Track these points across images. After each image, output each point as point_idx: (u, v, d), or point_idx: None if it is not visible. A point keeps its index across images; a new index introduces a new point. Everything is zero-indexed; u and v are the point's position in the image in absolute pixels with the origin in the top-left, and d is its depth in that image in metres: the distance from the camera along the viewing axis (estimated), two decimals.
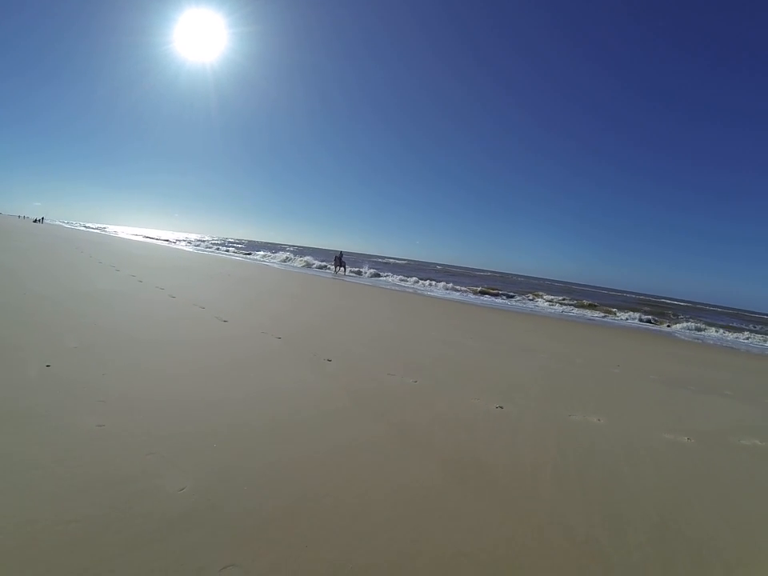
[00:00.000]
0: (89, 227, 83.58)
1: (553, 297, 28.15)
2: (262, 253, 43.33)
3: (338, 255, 29.31)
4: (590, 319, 19.89)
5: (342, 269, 28.84)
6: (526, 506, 2.58)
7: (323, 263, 32.81)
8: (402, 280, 28.92)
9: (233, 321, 6.72)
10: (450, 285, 27.30)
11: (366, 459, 2.87)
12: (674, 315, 27.06)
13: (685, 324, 21.51)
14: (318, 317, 8.61)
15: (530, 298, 26.26)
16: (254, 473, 2.53)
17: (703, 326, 20.80)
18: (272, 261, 35.14)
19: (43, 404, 2.99)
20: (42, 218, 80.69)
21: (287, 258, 35.60)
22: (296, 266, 31.82)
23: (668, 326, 20.56)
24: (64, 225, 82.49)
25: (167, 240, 56.07)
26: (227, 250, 46.72)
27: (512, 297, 25.56)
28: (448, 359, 6.16)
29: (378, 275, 30.60)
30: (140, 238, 50.47)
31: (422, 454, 3.06)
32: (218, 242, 73.70)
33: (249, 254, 43.08)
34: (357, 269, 31.58)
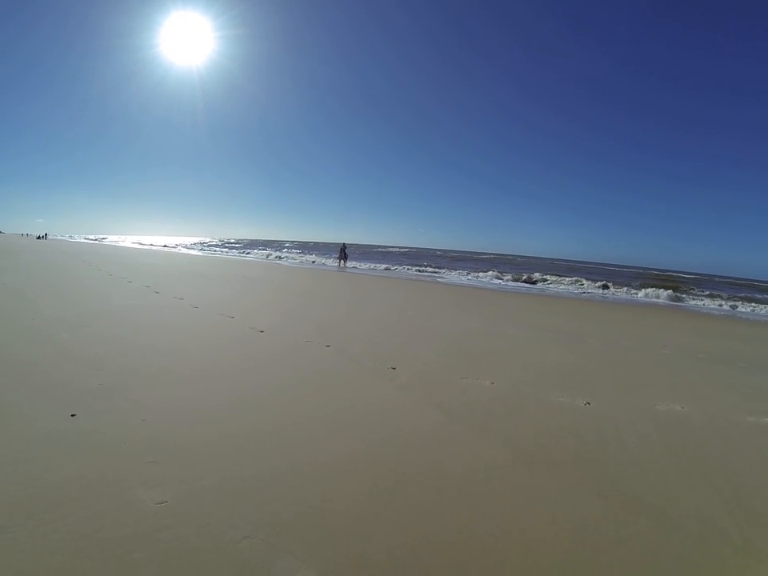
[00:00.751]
0: (90, 239, 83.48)
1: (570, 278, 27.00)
2: (267, 251, 42.95)
3: (341, 247, 29.06)
4: (617, 298, 19.24)
5: (344, 261, 28.55)
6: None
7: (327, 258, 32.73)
8: (434, 271, 27.39)
9: (270, 330, 5.97)
10: (490, 273, 25.38)
11: (491, 489, 2.32)
12: (690, 289, 25.75)
13: (711, 299, 20.33)
14: (357, 318, 7.87)
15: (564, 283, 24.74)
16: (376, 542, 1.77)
17: (737, 302, 19.61)
18: (288, 260, 34.47)
19: (73, 478, 2.21)
20: (46, 234, 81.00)
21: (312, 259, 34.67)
22: (304, 262, 31.27)
23: (701, 302, 19.49)
24: (67, 239, 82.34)
25: (173, 246, 55.82)
26: (229, 251, 46.19)
27: (546, 282, 24.26)
28: (505, 352, 5.63)
29: (388, 268, 29.80)
30: (145, 246, 49.82)
31: (551, 474, 2.53)
32: (222, 243, 74.17)
33: (248, 252, 42.65)
34: (373, 263, 30.87)
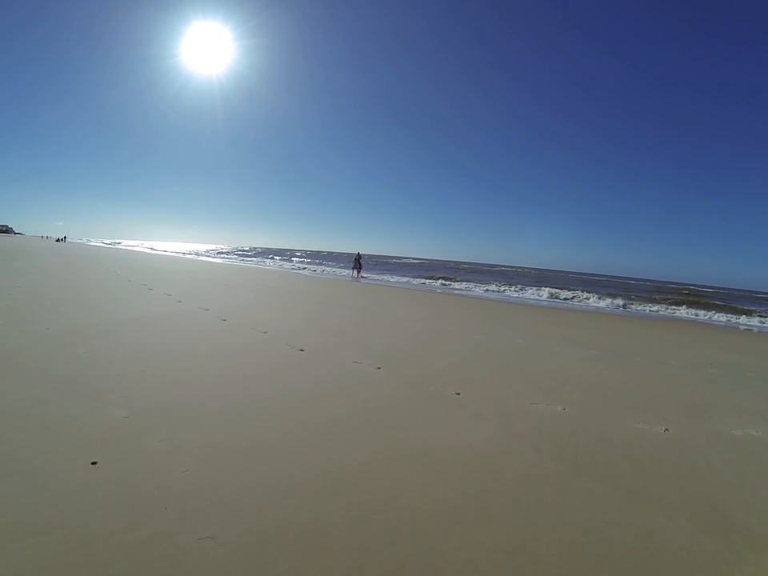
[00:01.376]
0: (106, 243, 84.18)
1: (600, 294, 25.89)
2: (280, 260, 42.90)
3: (356, 257, 28.07)
4: (647, 313, 18.47)
5: (357, 271, 27.60)
6: None
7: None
8: (476, 285, 25.75)
9: (311, 350, 5.34)
10: (546, 290, 23.10)
11: (613, 540, 2.02)
12: (715, 303, 24.49)
13: (738, 315, 19.16)
14: (397, 334, 7.18)
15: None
16: None
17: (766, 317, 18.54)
18: (306, 270, 34.04)
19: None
20: (65, 237, 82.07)
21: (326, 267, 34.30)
22: (321, 272, 30.72)
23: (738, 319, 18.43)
24: (85, 242, 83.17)
25: (190, 253, 55.88)
26: (245, 259, 45.95)
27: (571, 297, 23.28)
28: (559, 372, 5.21)
29: (410, 280, 29.02)
30: (160, 252, 49.78)
31: (667, 514, 2.29)
32: (237, 251, 74.53)
33: (263, 261, 42.52)
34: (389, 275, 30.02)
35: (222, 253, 63.37)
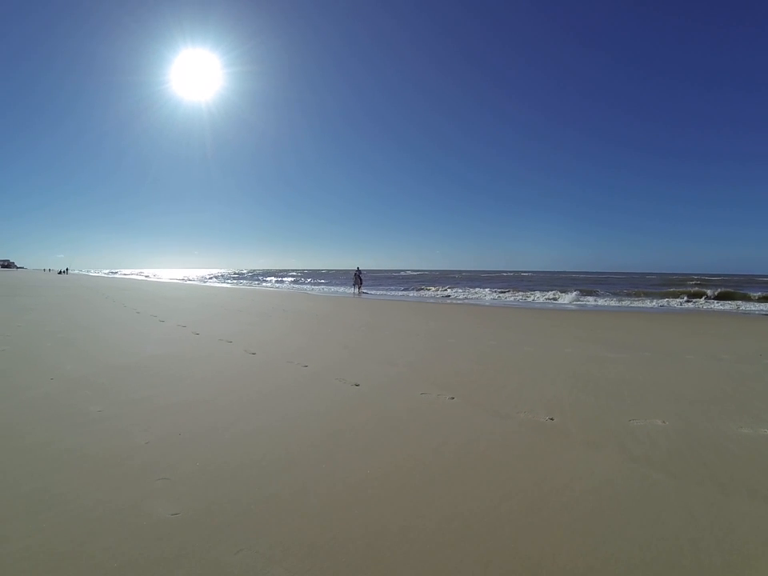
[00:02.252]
0: (108, 273, 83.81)
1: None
2: (280, 279, 42.87)
3: (356, 273, 27.14)
4: (674, 307, 17.99)
5: (358, 287, 26.75)
6: None
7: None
8: (491, 293, 24.91)
9: (365, 383, 4.54)
10: (573, 293, 22.00)
11: None
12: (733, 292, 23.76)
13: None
14: (447, 354, 6.27)
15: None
16: None
17: None
18: (309, 289, 33.42)
19: None
20: (67, 269, 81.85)
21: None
22: (325, 290, 29.93)
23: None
24: (87, 273, 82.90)
25: (194, 278, 55.55)
26: (249, 282, 45.55)
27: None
28: (629, 381, 4.84)
29: (422, 289, 28.05)
30: (164, 280, 49.15)
31: None
32: (238, 273, 74.96)
33: (265, 282, 42.11)
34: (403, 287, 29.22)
35: (222, 276, 63.47)
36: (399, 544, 1.87)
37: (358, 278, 26.82)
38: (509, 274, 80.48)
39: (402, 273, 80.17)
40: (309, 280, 47.05)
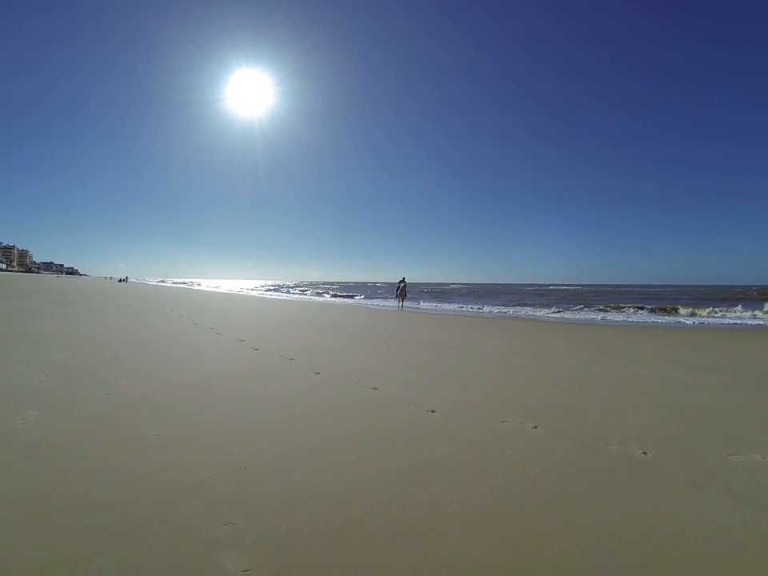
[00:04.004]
0: (165, 282, 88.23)
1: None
2: (329, 292, 43.77)
3: (401, 285, 25.38)
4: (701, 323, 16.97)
5: (402, 300, 25.44)
6: None
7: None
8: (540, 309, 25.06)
9: (441, 409, 4.17)
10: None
11: None
12: None
13: None
14: (528, 378, 5.76)
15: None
16: None
17: None
18: (366, 303, 33.63)
19: None
20: (126, 278, 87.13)
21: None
22: (380, 305, 29.72)
23: None
24: (146, 282, 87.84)
25: (243, 288, 57.52)
26: (301, 294, 46.54)
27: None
28: (714, 407, 4.65)
29: (481, 308, 27.29)
30: (217, 289, 51.00)
31: None
32: (290, 285, 77.33)
33: (322, 295, 42.64)
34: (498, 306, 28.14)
35: (272, 288, 65.79)
36: None
37: (403, 290, 25.35)
38: (531, 287, 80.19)
39: (447, 286, 79.95)
40: (360, 294, 47.55)
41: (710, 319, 17.89)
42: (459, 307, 27.50)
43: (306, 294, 44.56)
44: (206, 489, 2.50)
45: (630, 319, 18.88)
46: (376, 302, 33.84)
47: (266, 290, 54.60)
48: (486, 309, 25.89)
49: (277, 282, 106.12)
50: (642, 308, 24.98)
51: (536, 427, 3.81)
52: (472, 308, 26.72)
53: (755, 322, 16.94)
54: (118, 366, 5.54)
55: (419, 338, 10.26)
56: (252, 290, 57.59)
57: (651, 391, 5.25)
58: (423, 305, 28.73)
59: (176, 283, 78.36)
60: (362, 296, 42.68)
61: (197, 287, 57.55)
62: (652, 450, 3.35)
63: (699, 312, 21.07)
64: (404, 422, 3.87)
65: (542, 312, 23.47)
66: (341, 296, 41.09)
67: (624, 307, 25.11)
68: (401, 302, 25.44)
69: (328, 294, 45.86)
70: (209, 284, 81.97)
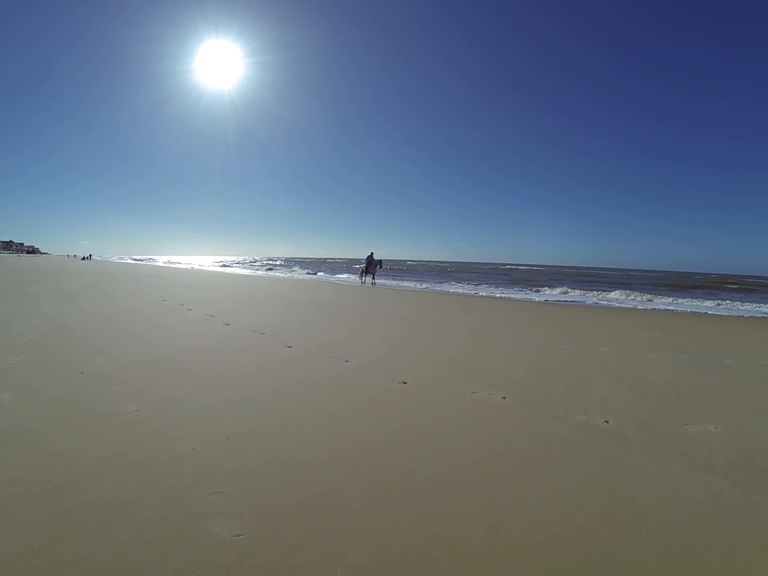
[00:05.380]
0: (132, 259, 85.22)
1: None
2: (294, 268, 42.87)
3: (368, 260, 23.18)
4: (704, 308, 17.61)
5: (370, 276, 23.45)
6: None
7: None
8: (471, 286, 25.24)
9: (412, 380, 4.24)
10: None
11: None
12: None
13: None
14: (493, 352, 6.06)
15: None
16: None
17: None
18: (330, 278, 33.27)
19: None
20: (90, 255, 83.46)
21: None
22: (345, 280, 29.45)
23: None
24: (110, 259, 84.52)
25: (214, 264, 56.22)
26: (268, 270, 45.76)
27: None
28: (669, 382, 4.87)
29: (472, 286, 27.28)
30: (185, 266, 49.63)
31: None
32: (255, 261, 75.94)
33: (288, 270, 41.98)
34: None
35: (241, 263, 64.43)
36: (485, 559, 1.78)
37: (374, 266, 23.22)
38: (510, 267, 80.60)
39: (410, 262, 79.79)
40: (323, 267, 46.94)
41: (671, 306, 18.12)
42: (424, 285, 26.96)
43: (272, 271, 43.61)
44: (192, 460, 2.50)
45: (594, 301, 18.92)
46: (342, 276, 33.52)
47: (237, 266, 53.33)
48: (453, 286, 25.68)
49: (244, 258, 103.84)
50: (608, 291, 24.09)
51: (505, 398, 3.93)
52: (439, 285, 26.12)
53: (716, 309, 17.46)
54: (90, 345, 5.38)
55: (387, 313, 10.35)
56: (221, 265, 56.23)
57: (614, 367, 5.45)
58: (389, 281, 28.04)
59: (137, 260, 75.37)
60: (327, 273, 41.91)
61: (163, 264, 55.69)
62: (613, 419, 3.53)
63: (660, 299, 20.91)
64: (377, 392, 3.94)
65: (506, 291, 23.11)
66: (311, 273, 40.38)
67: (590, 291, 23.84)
68: (371, 278, 23.58)
69: (296, 270, 45.10)
70: (184, 260, 79.46)
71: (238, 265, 60.57)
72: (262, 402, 3.53)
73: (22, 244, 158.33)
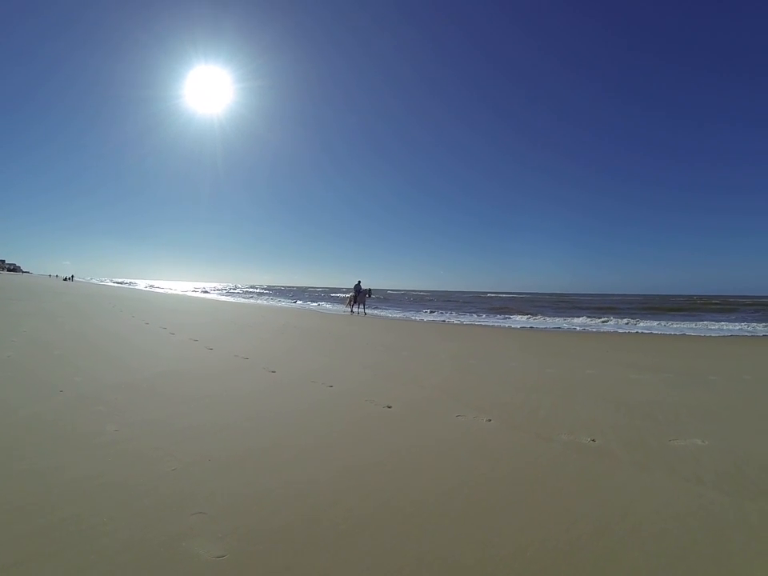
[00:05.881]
0: (110, 281, 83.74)
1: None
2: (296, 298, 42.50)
3: (356, 288, 22.22)
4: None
5: (360, 305, 22.41)
6: None
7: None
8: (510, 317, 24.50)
9: (396, 405, 4.21)
10: None
11: None
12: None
13: None
14: (477, 376, 5.87)
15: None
16: None
17: None
18: (318, 306, 33.07)
19: None
20: (72, 276, 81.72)
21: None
22: (332, 309, 29.19)
23: None
24: (92, 281, 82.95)
25: (198, 290, 55.67)
26: (255, 298, 45.46)
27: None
28: (647, 400, 4.90)
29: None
30: (168, 291, 49.01)
31: None
32: (237, 288, 75.30)
33: (266, 298, 41.58)
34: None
35: (223, 291, 64.00)
36: None
37: (363, 294, 22.25)
38: (492, 294, 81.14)
39: (396, 291, 79.74)
40: (306, 296, 46.72)
41: (655, 329, 18.05)
42: (406, 313, 26.44)
43: (269, 299, 43.09)
44: (172, 481, 2.42)
45: (580, 326, 18.90)
46: (323, 305, 33.32)
47: (220, 293, 52.80)
48: (437, 315, 24.98)
49: (227, 285, 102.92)
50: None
51: (490, 420, 3.89)
52: (421, 314, 25.10)
53: (699, 330, 17.50)
54: (71, 364, 5.23)
55: (370, 341, 10.30)
56: (202, 291, 55.63)
57: (599, 388, 5.46)
58: (370, 311, 27.47)
59: (119, 283, 74.08)
60: (308, 301, 41.52)
61: (144, 288, 54.86)
62: (600, 438, 3.50)
63: (644, 322, 20.82)
64: (361, 416, 3.89)
65: (491, 318, 22.65)
66: (292, 302, 40.03)
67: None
68: (362, 308, 22.54)
69: (278, 298, 44.76)
70: (166, 285, 78.43)
71: (217, 291, 59.93)
72: (246, 426, 3.45)
73: (3, 261, 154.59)
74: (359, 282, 22.49)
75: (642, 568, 1.82)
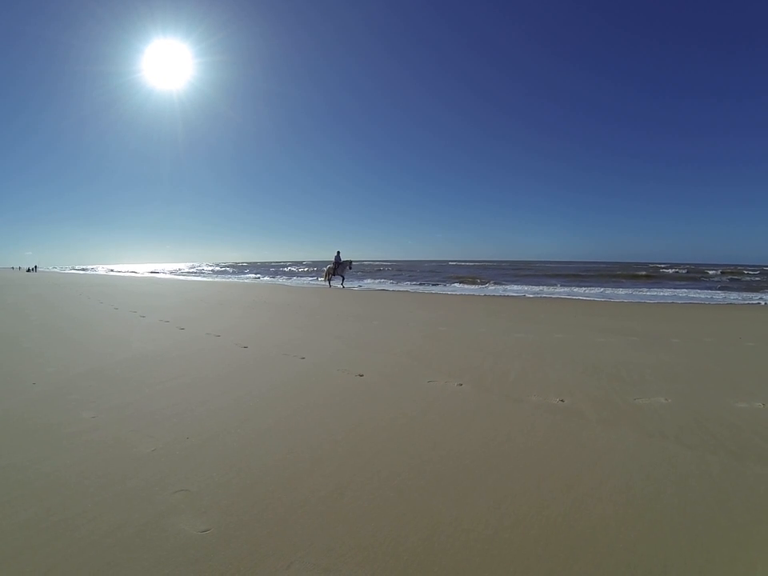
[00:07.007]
0: (76, 269, 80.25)
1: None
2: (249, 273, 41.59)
3: (336, 261, 21.16)
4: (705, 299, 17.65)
5: (339, 278, 21.58)
6: None
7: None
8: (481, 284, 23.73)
9: (369, 373, 4.25)
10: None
11: None
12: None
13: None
14: (448, 344, 6.10)
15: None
16: None
17: None
18: (284, 280, 32.71)
19: None
20: (35, 267, 77.78)
21: None
22: (302, 283, 29.05)
23: None
24: (57, 270, 79.23)
25: (165, 272, 54.01)
26: (224, 276, 44.51)
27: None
28: (620, 361, 5.02)
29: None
30: (136, 275, 47.38)
31: None
32: (206, 267, 73.47)
33: (254, 276, 40.90)
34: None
35: (196, 270, 62.03)
36: (453, 533, 1.80)
37: (342, 266, 21.18)
38: (455, 263, 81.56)
39: (377, 263, 79.28)
40: (284, 271, 46.05)
41: (622, 296, 18.16)
42: (378, 283, 25.80)
43: (239, 276, 42.10)
44: (153, 460, 2.41)
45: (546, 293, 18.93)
46: (293, 279, 32.98)
47: (190, 273, 51.28)
48: (406, 284, 24.60)
49: (195, 264, 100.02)
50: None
51: (461, 384, 3.95)
52: (393, 284, 24.53)
53: (664, 298, 17.69)
54: (41, 356, 5.04)
55: (341, 312, 10.31)
56: (172, 272, 53.98)
57: (567, 351, 5.52)
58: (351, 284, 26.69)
59: (96, 272, 71.07)
60: (285, 277, 40.89)
61: (121, 274, 52.69)
62: (569, 398, 3.59)
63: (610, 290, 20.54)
64: (334, 386, 3.93)
65: (458, 288, 22.12)
66: (261, 277, 39.43)
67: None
68: (340, 280, 21.55)
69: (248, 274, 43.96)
70: (135, 269, 75.43)
71: (193, 271, 58.21)
72: (220, 402, 3.44)
73: None
74: (338, 252, 21.45)
75: (610, 517, 1.91)
